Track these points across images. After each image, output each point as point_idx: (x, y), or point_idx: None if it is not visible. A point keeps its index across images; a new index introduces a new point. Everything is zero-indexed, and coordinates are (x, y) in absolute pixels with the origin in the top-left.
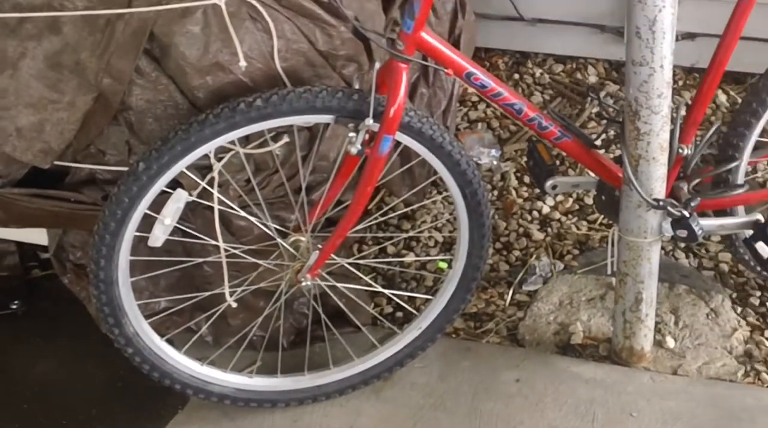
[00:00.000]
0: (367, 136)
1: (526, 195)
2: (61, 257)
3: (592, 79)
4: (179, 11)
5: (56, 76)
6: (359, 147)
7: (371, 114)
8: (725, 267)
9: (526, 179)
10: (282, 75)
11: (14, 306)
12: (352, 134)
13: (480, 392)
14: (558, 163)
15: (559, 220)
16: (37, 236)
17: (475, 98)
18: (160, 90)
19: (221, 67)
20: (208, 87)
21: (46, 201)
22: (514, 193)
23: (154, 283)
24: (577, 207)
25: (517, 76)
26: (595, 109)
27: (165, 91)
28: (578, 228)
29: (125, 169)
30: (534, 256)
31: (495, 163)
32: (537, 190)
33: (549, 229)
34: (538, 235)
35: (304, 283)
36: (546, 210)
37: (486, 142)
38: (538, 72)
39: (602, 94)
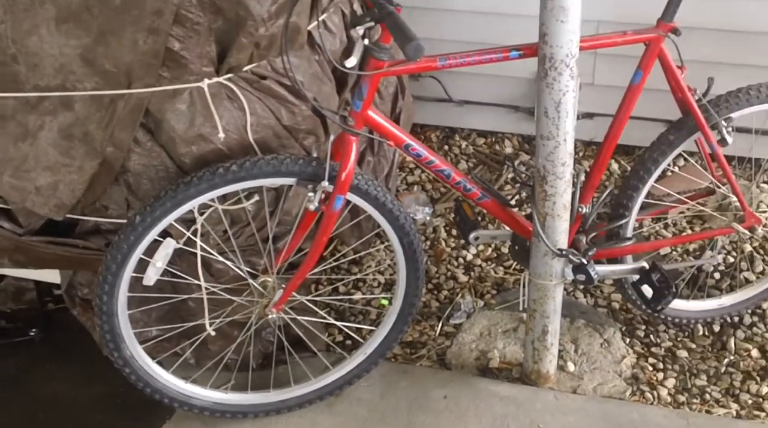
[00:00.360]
0: (323, 196)
1: (453, 245)
2: (71, 293)
3: (508, 150)
4: (170, 92)
5: (68, 144)
6: (316, 204)
7: (327, 178)
8: (616, 305)
9: (453, 232)
10: (254, 145)
11: (32, 334)
12: (310, 194)
13: (414, 407)
14: (480, 218)
15: (480, 266)
16: (51, 276)
17: (412, 165)
18: (153, 156)
19: (204, 138)
20: (192, 154)
21: (60, 247)
22: (443, 243)
23: (147, 315)
24: (495, 255)
25: (446, 147)
26: (511, 175)
27: (158, 158)
28: (496, 273)
29: (124, 221)
30: (459, 295)
31: (428, 218)
32: (462, 241)
33: (472, 273)
34: (463, 278)
35: (270, 316)
36: (469, 257)
37: (421, 201)
38: (464, 144)
39: (516, 162)
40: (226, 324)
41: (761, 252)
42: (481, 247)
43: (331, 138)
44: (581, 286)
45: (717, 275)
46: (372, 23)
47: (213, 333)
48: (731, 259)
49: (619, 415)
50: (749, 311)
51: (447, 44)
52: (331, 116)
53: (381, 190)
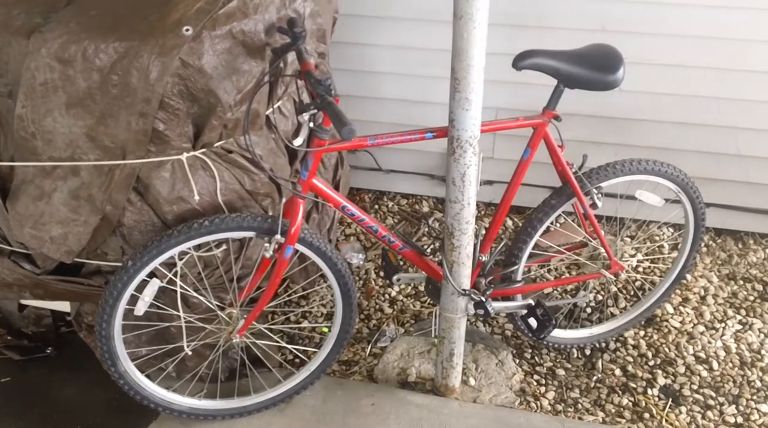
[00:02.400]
0: (276, 246)
1: (381, 284)
2: (79, 320)
3: (425, 209)
4: (156, 163)
5: (76, 203)
6: (271, 253)
7: (279, 232)
8: (509, 333)
9: (381, 273)
10: (222, 205)
11: (48, 351)
12: (266, 244)
13: (348, 412)
14: (402, 264)
15: (402, 300)
16: (63, 306)
17: (348, 221)
18: (143, 214)
19: (183, 200)
20: (174, 212)
21: (69, 284)
22: (373, 282)
23: (138, 338)
24: (413, 292)
25: (376, 206)
26: (426, 229)
27: (146, 214)
28: (414, 306)
29: (120, 264)
30: (385, 324)
31: (361, 263)
32: (388, 282)
33: (395, 306)
34: (388, 310)
35: (234, 340)
36: (394, 294)
37: (356, 249)
38: (390, 204)
39: (431, 219)
40: (200, 345)
41: (624, 292)
42: (402, 286)
43: (284, 200)
44: (481, 318)
45: (588, 310)
46: (315, 110)
47: (189, 353)
48: (600, 297)
49: (510, 419)
50: (614, 339)
51: (377, 125)
52: (283, 183)
53: (322, 242)
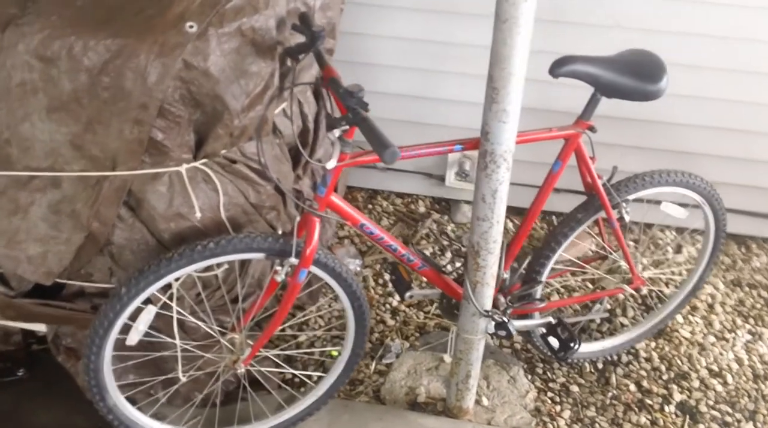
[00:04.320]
0: (289, 269)
1: (381, 292)
2: (57, 342)
3: (422, 209)
4: (151, 175)
5: (57, 219)
6: (283, 277)
7: (293, 253)
8: (518, 346)
9: (380, 281)
10: (225, 222)
11: (20, 374)
12: (278, 267)
13: None
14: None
15: (404, 311)
16: (38, 326)
17: (342, 223)
18: (135, 231)
19: (182, 217)
20: (171, 230)
21: (49, 307)
22: (372, 290)
23: (128, 367)
24: (416, 302)
25: (370, 205)
26: (425, 231)
27: (139, 232)
28: (417, 317)
29: (107, 285)
30: (389, 338)
31: (358, 269)
32: (389, 289)
33: (397, 317)
34: (391, 322)
35: (239, 370)
36: (395, 303)
37: (351, 254)
38: (384, 203)
39: (429, 220)
40: (195, 371)
41: (629, 301)
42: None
43: (297, 218)
44: (502, 338)
45: (597, 320)
46: (347, 127)
47: (184, 379)
48: (608, 307)
49: None
50: (625, 351)
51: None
52: (299, 202)
53: (337, 263)
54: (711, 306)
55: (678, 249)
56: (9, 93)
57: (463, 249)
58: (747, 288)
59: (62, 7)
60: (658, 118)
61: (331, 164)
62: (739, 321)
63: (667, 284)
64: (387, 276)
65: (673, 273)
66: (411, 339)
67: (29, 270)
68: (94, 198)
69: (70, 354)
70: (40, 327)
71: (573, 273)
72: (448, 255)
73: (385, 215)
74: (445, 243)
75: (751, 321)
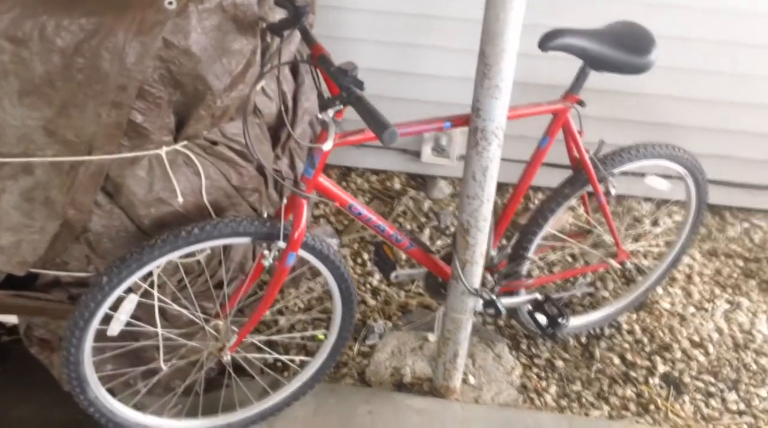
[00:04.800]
0: (277, 253)
1: (360, 271)
2: (29, 334)
3: (397, 186)
4: (129, 159)
5: (30, 207)
6: (271, 261)
7: (281, 237)
8: (502, 323)
9: (359, 260)
10: (208, 205)
11: None
12: (266, 251)
13: (344, 422)
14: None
15: (385, 291)
16: (10, 318)
17: (317, 201)
18: (113, 218)
19: (163, 201)
20: (151, 216)
21: (23, 299)
22: (351, 270)
23: (106, 360)
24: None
25: (344, 183)
26: (401, 208)
27: (118, 219)
28: (399, 297)
29: (84, 274)
30: (371, 318)
31: (335, 248)
32: (368, 268)
33: (378, 297)
34: (372, 302)
35: (225, 358)
36: (375, 283)
37: (328, 233)
38: (359, 180)
39: (405, 197)
40: (177, 360)
41: (610, 274)
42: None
43: (284, 201)
44: (490, 317)
45: (579, 295)
46: (341, 106)
47: (165, 369)
48: (592, 281)
49: (516, 421)
50: (608, 325)
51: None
52: (286, 184)
53: (325, 245)
54: (689, 277)
55: (655, 222)
56: None
57: (442, 226)
58: (723, 258)
59: None
60: (639, 90)
61: (327, 146)
62: (717, 291)
63: (645, 256)
64: (368, 256)
65: (651, 245)
66: (393, 318)
67: (2, 260)
68: (69, 184)
69: (43, 346)
70: (10, 319)
71: (554, 249)
72: (427, 231)
73: (360, 193)
74: (423, 220)
75: (729, 290)
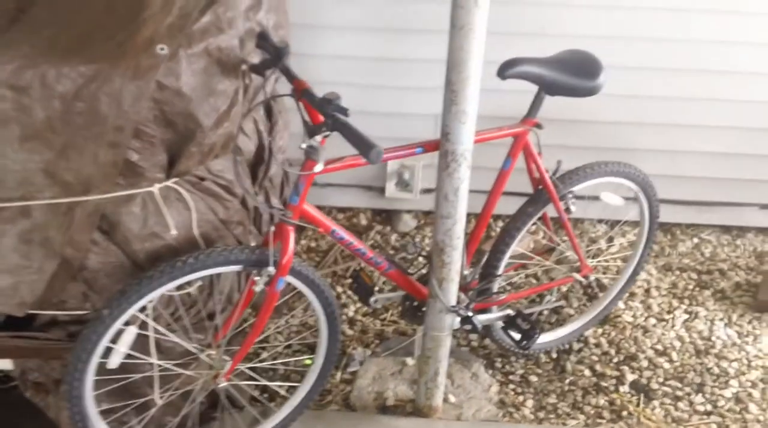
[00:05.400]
0: (267, 279)
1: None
2: (24, 378)
3: (363, 222)
4: (124, 197)
5: (27, 248)
6: (262, 286)
7: (271, 263)
8: (475, 344)
9: (333, 292)
10: (198, 238)
11: None
12: (257, 278)
13: None
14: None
15: (361, 321)
16: (5, 364)
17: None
18: (110, 254)
19: (156, 236)
20: (146, 250)
21: (22, 340)
22: None
23: (100, 397)
24: (371, 310)
25: None
26: (370, 243)
27: (114, 255)
28: (374, 325)
29: (82, 312)
30: (351, 347)
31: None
32: (343, 300)
33: (355, 327)
34: (350, 332)
35: (221, 385)
36: (351, 314)
37: None
38: None
39: (373, 231)
40: (172, 395)
41: (573, 292)
42: (358, 305)
43: (272, 228)
44: (467, 333)
45: (545, 313)
46: (328, 133)
47: (159, 403)
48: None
49: None
50: (576, 340)
51: None
52: (275, 212)
53: (311, 271)
54: (647, 291)
55: (610, 240)
56: None
57: (410, 255)
58: (677, 272)
59: (30, 36)
60: (591, 117)
61: (318, 168)
62: (675, 303)
63: (605, 272)
64: (341, 290)
65: (609, 261)
66: (372, 346)
67: (1, 302)
68: (67, 224)
69: (38, 389)
70: (7, 366)
71: (524, 267)
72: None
73: None
74: (392, 252)
75: (686, 301)
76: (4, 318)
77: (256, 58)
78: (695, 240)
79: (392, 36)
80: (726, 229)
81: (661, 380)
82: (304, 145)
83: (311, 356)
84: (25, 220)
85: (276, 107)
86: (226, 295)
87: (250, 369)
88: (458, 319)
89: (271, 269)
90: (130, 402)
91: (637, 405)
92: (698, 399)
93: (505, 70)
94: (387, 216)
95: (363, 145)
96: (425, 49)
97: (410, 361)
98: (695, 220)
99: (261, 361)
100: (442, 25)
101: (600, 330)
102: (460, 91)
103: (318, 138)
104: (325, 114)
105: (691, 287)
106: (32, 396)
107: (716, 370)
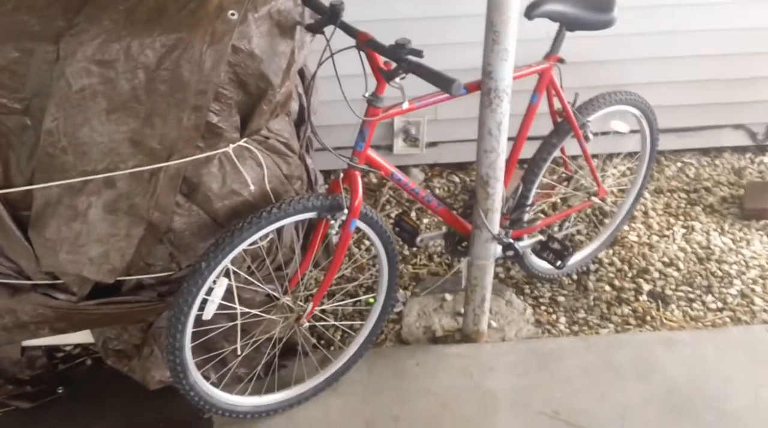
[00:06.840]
0: (341, 222)
1: (367, 256)
2: (105, 347)
3: (375, 180)
4: (203, 159)
5: (114, 217)
6: (337, 228)
7: (345, 206)
8: (502, 275)
9: (362, 247)
10: (270, 193)
11: (60, 391)
12: (332, 222)
13: (397, 376)
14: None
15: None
16: (84, 336)
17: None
18: (192, 214)
19: (235, 193)
20: (226, 207)
21: (112, 306)
22: (360, 258)
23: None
24: (401, 257)
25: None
26: (384, 198)
27: (196, 215)
28: (408, 269)
29: (165, 274)
30: None
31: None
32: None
33: None
34: None
35: (304, 325)
36: None
37: None
38: None
39: (386, 187)
40: (251, 344)
41: (585, 219)
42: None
43: (341, 175)
44: (511, 260)
45: (574, 232)
46: (404, 75)
47: (240, 352)
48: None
49: (542, 348)
50: (592, 262)
51: None
52: (342, 158)
53: (374, 212)
54: (646, 213)
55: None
56: (68, 101)
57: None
58: (669, 193)
59: (108, 12)
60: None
61: (405, 104)
62: (672, 220)
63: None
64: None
65: (618, 184)
66: (410, 288)
67: (92, 270)
68: (152, 190)
69: (120, 356)
70: (87, 338)
71: (549, 195)
72: (413, 214)
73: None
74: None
75: (681, 218)
76: (89, 289)
77: (308, 19)
78: (678, 164)
79: None
80: (705, 151)
81: (673, 287)
82: (367, 94)
83: (373, 295)
84: (110, 191)
85: (308, 70)
86: (288, 247)
87: (320, 311)
88: (500, 247)
89: (345, 212)
90: (211, 354)
91: (657, 309)
92: (709, 299)
93: (532, 11)
94: None
95: (443, 80)
96: (463, 6)
97: (449, 297)
98: (677, 146)
99: (332, 302)
100: None
101: (611, 252)
102: (502, 30)
103: (398, 80)
104: (399, 59)
105: (683, 205)
106: (114, 362)
107: (719, 273)
